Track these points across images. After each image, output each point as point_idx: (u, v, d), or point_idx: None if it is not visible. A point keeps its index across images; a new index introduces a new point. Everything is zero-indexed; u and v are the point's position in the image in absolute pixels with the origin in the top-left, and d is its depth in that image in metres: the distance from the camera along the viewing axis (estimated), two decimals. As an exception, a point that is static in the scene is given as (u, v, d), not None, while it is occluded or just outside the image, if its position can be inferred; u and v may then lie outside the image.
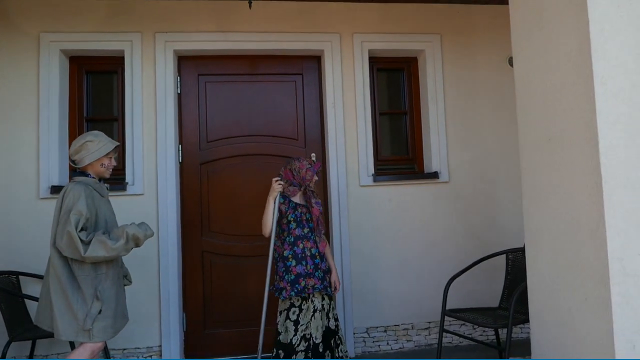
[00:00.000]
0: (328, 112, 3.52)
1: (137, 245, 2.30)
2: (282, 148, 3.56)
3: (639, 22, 1.74)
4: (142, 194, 3.29)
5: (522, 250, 2.47)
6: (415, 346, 3.42)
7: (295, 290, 2.59)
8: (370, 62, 3.63)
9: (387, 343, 3.43)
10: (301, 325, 2.61)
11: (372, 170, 3.52)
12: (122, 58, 3.36)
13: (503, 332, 3.10)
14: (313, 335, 2.60)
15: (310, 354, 2.59)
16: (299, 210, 2.73)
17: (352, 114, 3.54)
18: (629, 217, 1.67)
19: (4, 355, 2.73)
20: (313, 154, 3.57)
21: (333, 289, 2.74)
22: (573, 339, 1.83)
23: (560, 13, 1.89)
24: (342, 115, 3.53)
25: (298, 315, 2.61)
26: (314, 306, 2.64)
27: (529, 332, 2.44)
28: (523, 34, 2.17)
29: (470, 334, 3.47)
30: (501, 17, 3.46)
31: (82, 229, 2.17)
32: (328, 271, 2.73)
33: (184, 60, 3.52)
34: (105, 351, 3.08)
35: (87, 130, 3.44)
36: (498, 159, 3.63)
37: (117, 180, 3.31)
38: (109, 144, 2.35)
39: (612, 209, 1.66)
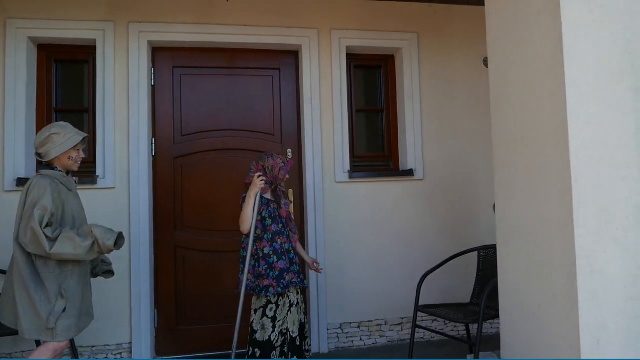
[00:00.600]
0: (305, 108, 3.51)
1: (100, 250, 2.17)
2: (258, 143, 3.53)
3: (610, 26, 1.79)
4: (113, 188, 3.21)
5: (493, 247, 2.52)
6: (388, 342, 3.45)
7: (282, 286, 2.58)
8: (347, 59, 3.63)
9: (361, 339, 3.45)
10: (278, 321, 2.60)
11: (348, 166, 3.52)
12: (94, 47, 3.26)
13: (474, 328, 3.16)
14: (290, 330, 2.62)
15: (286, 349, 2.60)
16: (272, 206, 2.72)
17: (329, 110, 3.54)
18: (596, 216, 1.71)
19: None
20: (289, 150, 3.57)
21: (319, 268, 2.86)
22: (541, 334, 1.87)
23: (534, 16, 1.93)
24: (319, 112, 3.52)
25: (275, 312, 2.61)
26: (290, 301, 2.64)
27: (498, 328, 2.49)
28: (498, 35, 2.21)
29: (442, 330, 3.53)
30: (478, 18, 3.50)
31: (47, 225, 2.09)
32: (301, 265, 2.76)
33: (158, 52, 3.44)
34: (73, 349, 3.00)
35: (56, 121, 3.34)
36: (473, 157, 3.69)
37: (87, 173, 3.22)
38: (76, 136, 2.26)
39: (581, 208, 1.71)
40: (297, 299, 2.69)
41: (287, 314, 2.63)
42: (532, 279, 1.94)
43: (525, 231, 1.99)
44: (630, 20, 1.81)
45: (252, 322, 2.65)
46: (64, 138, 2.22)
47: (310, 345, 2.79)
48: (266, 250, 2.64)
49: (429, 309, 2.90)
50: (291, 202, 3.52)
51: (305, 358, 2.70)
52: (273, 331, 2.58)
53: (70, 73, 3.45)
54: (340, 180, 3.49)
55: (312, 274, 3.43)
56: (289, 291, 2.64)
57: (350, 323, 3.46)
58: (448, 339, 3.31)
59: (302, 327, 2.72)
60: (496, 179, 2.23)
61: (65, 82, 3.43)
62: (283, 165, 2.71)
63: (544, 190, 1.87)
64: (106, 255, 2.42)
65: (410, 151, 3.64)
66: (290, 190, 3.53)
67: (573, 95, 1.77)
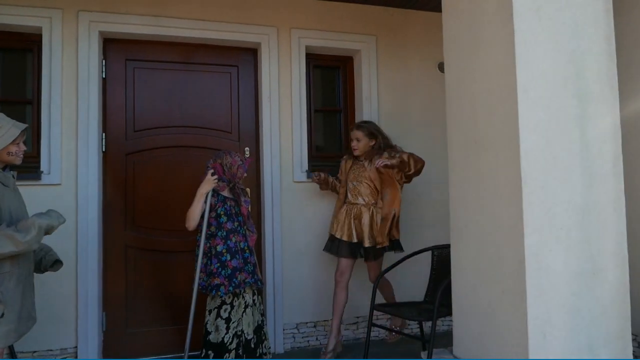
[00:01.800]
0: (263, 107, 3.48)
1: (48, 233, 2.06)
2: (215, 141, 3.46)
3: (558, 36, 1.89)
4: (59, 184, 3.05)
5: (447, 247, 2.59)
6: (344, 341, 3.48)
7: (233, 285, 2.54)
8: (307, 59, 3.63)
9: (316, 338, 3.46)
10: (233, 322, 2.56)
11: (306, 166, 3.52)
12: (40, 36, 3.08)
13: (427, 325, 3.25)
14: (245, 332, 2.58)
15: (241, 351, 2.55)
16: (228, 203, 2.68)
17: (287, 109, 3.53)
18: (544, 216, 1.80)
19: None
20: (247, 148, 3.53)
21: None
22: (492, 330, 1.95)
23: (488, 24, 2.00)
24: (278, 110, 3.50)
25: (229, 313, 2.57)
26: (245, 302, 2.61)
27: (450, 324, 2.57)
28: (454, 41, 2.28)
29: (397, 328, 3.59)
30: (434, 24, 3.61)
31: None
32: (256, 265, 2.73)
33: (110, 43, 3.30)
34: (12, 354, 2.82)
35: (-3, 113, 3.14)
36: (428, 159, 3.77)
37: (30, 168, 3.04)
38: (14, 129, 2.09)
39: (530, 207, 1.79)
40: (254, 300, 2.66)
41: (242, 315, 2.59)
42: (483, 277, 2.01)
43: (477, 231, 2.06)
44: (575, 32, 1.92)
45: (207, 323, 2.60)
46: (0, 132, 2.05)
47: (269, 347, 2.77)
48: (219, 248, 2.59)
49: (385, 308, 2.95)
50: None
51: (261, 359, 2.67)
52: (227, 333, 2.54)
53: (12, 62, 3.25)
54: (298, 180, 3.48)
55: (268, 273, 3.40)
56: (244, 291, 2.61)
57: (307, 323, 3.46)
58: (402, 337, 3.38)
59: (259, 328, 2.69)
60: (450, 181, 2.30)
61: (7, 72, 3.22)
62: (241, 163, 2.69)
63: (496, 191, 1.95)
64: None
65: (367, 152, 3.68)
66: (247, 189, 3.48)
67: (523, 101, 1.85)
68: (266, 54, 3.48)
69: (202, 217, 2.61)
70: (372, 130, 3.25)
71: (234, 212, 2.68)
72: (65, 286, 3.03)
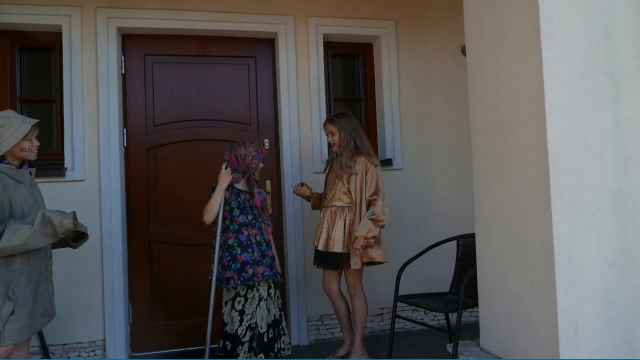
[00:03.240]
0: (282, 97, 3.44)
1: (55, 233, 2.02)
2: (234, 133, 3.45)
3: (587, 10, 1.78)
4: (82, 180, 3.10)
5: (472, 236, 2.51)
6: (369, 332, 3.44)
7: (242, 279, 2.53)
8: (325, 47, 3.56)
9: (341, 330, 3.43)
10: (246, 315, 2.56)
11: (326, 156, 3.47)
12: (60, 34, 3.12)
13: (453, 317, 3.17)
14: (258, 325, 2.56)
15: (254, 344, 2.54)
16: (242, 197, 2.66)
17: (306, 99, 3.48)
18: (573, 202, 1.71)
19: None
20: (266, 140, 3.51)
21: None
22: (520, 322, 1.87)
23: (511, 2, 1.90)
24: (296, 101, 3.45)
25: (243, 305, 2.57)
26: (260, 295, 2.59)
27: (477, 316, 2.49)
28: (476, 22, 2.18)
29: (422, 319, 3.53)
30: (455, 6, 3.48)
31: None
32: (275, 258, 2.71)
33: (128, 39, 3.32)
34: (43, 346, 2.90)
35: (22, 112, 3.20)
36: (451, 146, 3.69)
37: (54, 165, 3.10)
38: (24, 126, 2.09)
39: (558, 194, 1.70)
40: (269, 293, 2.63)
41: (256, 308, 2.58)
42: (510, 267, 1.93)
43: (503, 219, 1.98)
44: (607, 6, 1.80)
45: (223, 314, 2.62)
46: (9, 130, 2.05)
47: (288, 343, 2.71)
48: (230, 242, 2.59)
49: (409, 299, 2.89)
50: (268, 194, 3.47)
51: (278, 358, 2.64)
52: (240, 325, 2.54)
53: (36, 61, 3.30)
54: (319, 171, 3.44)
55: (291, 265, 3.39)
56: (258, 284, 2.59)
57: (330, 314, 3.43)
58: (428, 329, 3.31)
59: (277, 323, 2.66)
60: (474, 167, 2.22)
61: (31, 71, 3.28)
62: (256, 154, 2.66)
63: (522, 177, 1.86)
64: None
65: (389, 140, 3.61)
66: (268, 181, 3.48)
67: (550, 82, 1.75)
68: (283, 43, 3.43)
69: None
70: (345, 126, 2.85)
71: (247, 205, 2.66)
72: (92, 280, 3.09)
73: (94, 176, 3.11)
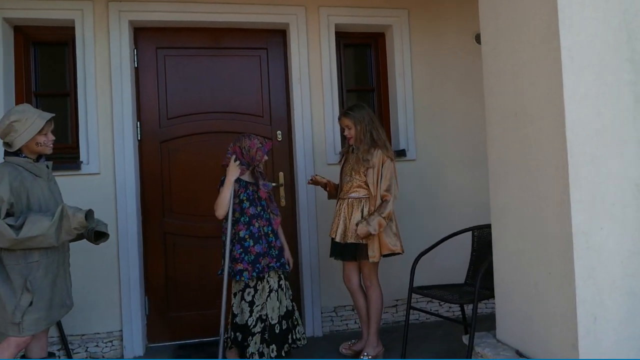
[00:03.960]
0: (294, 89, 3.42)
1: (71, 229, 2.07)
2: (246, 125, 3.44)
3: (607, -6, 1.73)
4: (98, 174, 3.12)
5: (487, 226, 2.48)
6: (383, 324, 3.43)
7: (257, 270, 2.54)
8: (336, 37, 3.53)
9: (355, 321, 3.43)
10: (256, 306, 2.56)
11: (339, 148, 3.45)
12: (73, 28, 3.13)
13: (469, 308, 3.15)
14: (269, 316, 2.56)
15: (266, 335, 2.55)
16: (250, 188, 2.66)
17: (318, 90, 3.45)
18: (593, 191, 1.67)
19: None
20: (279, 132, 3.50)
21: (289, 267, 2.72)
22: (538, 313, 1.84)
23: (529, -15, 1.86)
24: (309, 92, 3.43)
25: (253, 296, 2.57)
26: (270, 286, 2.59)
27: (493, 308, 2.46)
28: (491, 8, 2.13)
29: (437, 311, 3.52)
30: (469, -8, 3.42)
31: (8, 215, 1.98)
32: (282, 249, 2.71)
33: (140, 32, 3.32)
34: (62, 337, 2.96)
35: (38, 107, 3.23)
36: (465, 136, 3.64)
37: (70, 158, 3.13)
38: (39, 120, 2.11)
39: (578, 183, 1.67)
40: (280, 284, 2.63)
41: (267, 300, 2.58)
42: (528, 258, 1.90)
43: (520, 209, 1.95)
44: (628, -11, 1.75)
45: (233, 305, 2.63)
46: (25, 124, 2.08)
47: (303, 333, 2.71)
48: (242, 234, 2.59)
49: (424, 290, 2.87)
50: (282, 185, 3.46)
51: (293, 348, 2.65)
52: (250, 316, 2.55)
53: (50, 56, 3.33)
54: (332, 162, 3.42)
55: (305, 256, 3.39)
56: (268, 276, 2.59)
57: (345, 306, 3.43)
58: (443, 320, 3.29)
59: (290, 314, 2.65)
60: (489, 157, 2.18)
61: (45, 65, 3.31)
62: (261, 146, 2.65)
63: (539, 166, 1.82)
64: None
65: (402, 131, 3.58)
66: (281, 173, 3.47)
67: (569, 68, 1.71)
68: (295, 34, 3.41)
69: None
70: (360, 119, 2.83)
71: (256, 196, 2.66)
72: (109, 272, 3.12)
73: (108, 169, 3.14)
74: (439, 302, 3.54)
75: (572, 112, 1.69)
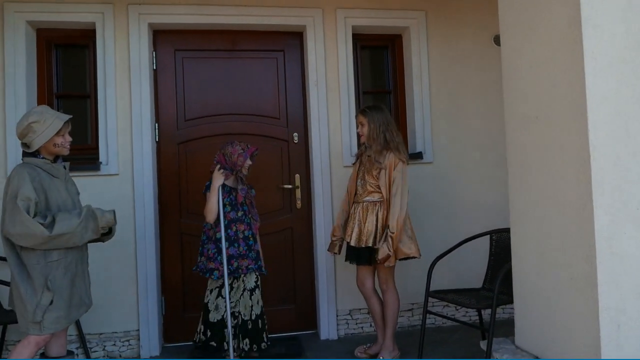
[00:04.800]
0: (311, 91, 3.42)
1: (97, 228, 2.16)
2: (263, 127, 3.46)
3: (631, -7, 1.69)
4: (117, 174, 3.16)
5: (506, 230, 2.44)
6: (399, 328, 3.40)
7: (228, 271, 2.67)
8: (353, 39, 3.52)
9: (370, 325, 3.41)
10: (231, 302, 2.70)
11: (355, 150, 3.43)
12: (94, 31, 3.19)
13: (486, 313, 3.11)
14: (242, 313, 2.72)
15: (238, 330, 2.72)
16: (233, 194, 2.79)
17: (335, 92, 3.45)
18: (616, 195, 1.63)
19: (-28, 342, 2.62)
20: (295, 134, 3.51)
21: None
22: (558, 319, 1.80)
23: (550, -16, 1.83)
24: (325, 94, 3.43)
25: (229, 294, 2.70)
26: (245, 286, 2.75)
27: (511, 313, 2.42)
28: (511, 9, 2.11)
29: (453, 315, 3.48)
30: (488, -7, 3.38)
31: (35, 215, 2.03)
32: (259, 252, 2.85)
33: (159, 35, 3.36)
34: (80, 335, 3.00)
35: (59, 108, 3.30)
36: (483, 138, 3.59)
37: (90, 159, 3.18)
38: (57, 122, 2.14)
39: (600, 187, 1.63)
40: (257, 284, 2.78)
41: (240, 298, 2.73)
42: (548, 263, 1.87)
43: (540, 213, 1.91)
44: (653, -12, 1.71)
45: (208, 302, 2.75)
46: (44, 125, 2.11)
47: (264, 343, 2.78)
48: (218, 235, 2.72)
49: (440, 295, 2.84)
50: (297, 187, 3.47)
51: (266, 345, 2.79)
52: (226, 311, 2.66)
53: (71, 58, 3.39)
54: (348, 164, 3.41)
55: (320, 259, 3.38)
56: (244, 276, 2.75)
57: (360, 309, 3.41)
58: (459, 325, 3.25)
59: (262, 315, 2.77)
60: (509, 160, 2.15)
61: (66, 68, 3.37)
62: (242, 151, 2.78)
63: (560, 169, 1.79)
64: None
65: (419, 134, 3.55)
66: (297, 176, 3.47)
67: (591, 69, 1.68)
68: (312, 36, 3.41)
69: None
70: (375, 119, 2.83)
71: (238, 201, 2.79)
72: (127, 272, 3.16)
73: (127, 170, 3.18)
74: (456, 307, 3.49)
75: (595, 113, 1.66)
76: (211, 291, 2.75)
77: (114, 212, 2.25)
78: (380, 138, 2.81)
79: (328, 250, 3.08)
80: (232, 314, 2.70)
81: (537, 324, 1.94)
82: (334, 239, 3.02)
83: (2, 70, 3.05)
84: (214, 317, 2.71)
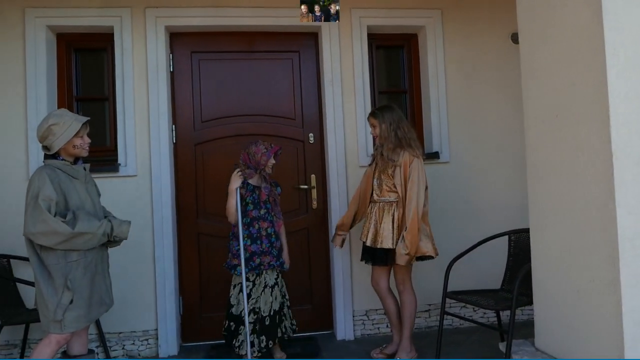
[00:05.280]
0: (326, 91, 3.42)
1: (108, 237, 2.24)
2: (279, 128, 3.47)
3: (655, -12, 1.65)
4: (135, 176, 3.21)
5: (525, 231, 2.40)
6: (416, 329, 3.37)
7: (249, 267, 2.74)
8: (368, 39, 3.50)
9: (387, 325, 3.39)
10: (252, 299, 2.75)
11: (371, 150, 3.42)
12: (112, 35, 3.23)
13: (504, 314, 3.07)
14: (261, 309, 2.75)
15: (257, 326, 2.73)
16: (256, 192, 2.83)
17: (350, 93, 3.44)
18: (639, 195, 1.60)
19: (-4, 340, 2.68)
20: (311, 134, 3.51)
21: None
22: (579, 322, 1.77)
23: (570, -20, 1.79)
24: (341, 94, 3.42)
25: (250, 290, 2.76)
26: (266, 282, 2.78)
27: (529, 314, 2.39)
28: (529, 6, 2.07)
29: (471, 316, 3.44)
30: (505, -10, 3.34)
31: (55, 214, 2.08)
32: (282, 249, 2.89)
33: (176, 37, 3.40)
34: (100, 334, 3.04)
35: (78, 111, 3.36)
36: (500, 137, 3.55)
37: (108, 161, 3.23)
38: (76, 124, 2.20)
39: (623, 186, 1.60)
40: (276, 281, 2.81)
41: (261, 294, 2.77)
42: (569, 264, 1.83)
43: (561, 213, 1.88)
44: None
45: (230, 296, 2.81)
46: (63, 128, 2.16)
47: (294, 326, 2.89)
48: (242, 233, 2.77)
49: (458, 295, 2.81)
50: (313, 188, 3.47)
51: (284, 339, 2.85)
52: (244, 308, 2.71)
53: (90, 61, 3.45)
54: (364, 165, 3.39)
55: (336, 259, 3.37)
56: (266, 273, 2.79)
57: (377, 309, 3.39)
58: (477, 326, 3.21)
59: (281, 309, 2.83)
60: (528, 159, 2.12)
61: (85, 71, 3.43)
62: (265, 151, 2.82)
63: (581, 169, 1.75)
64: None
65: (436, 133, 3.52)
66: (313, 176, 3.47)
67: (613, 66, 1.65)
68: (327, 37, 3.41)
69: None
70: (385, 119, 2.82)
71: (261, 200, 2.83)
72: (145, 272, 3.20)
73: (145, 171, 3.22)
74: (473, 308, 3.46)
75: (617, 111, 1.63)
76: (234, 286, 2.82)
77: (129, 224, 2.31)
78: (391, 136, 2.81)
79: (331, 241, 3.16)
80: (253, 309, 2.74)
81: (558, 326, 1.91)
82: (339, 233, 3.06)
83: (24, 74, 3.11)
84: (236, 310, 2.77)
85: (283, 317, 2.84)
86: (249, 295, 2.75)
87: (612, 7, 1.65)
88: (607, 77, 1.63)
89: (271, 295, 2.78)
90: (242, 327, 2.72)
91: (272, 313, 2.77)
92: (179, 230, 3.36)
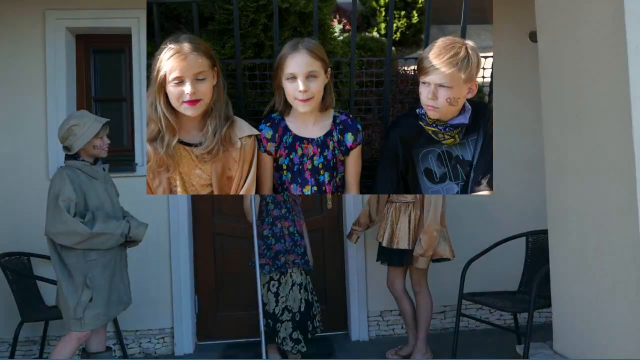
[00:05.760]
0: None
1: (127, 239, 2.29)
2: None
3: (680, -16, 1.61)
4: (151, 175, 3.24)
5: (543, 232, 2.37)
6: (431, 330, 3.34)
7: (276, 266, 2.79)
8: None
9: (402, 327, 3.37)
10: (281, 297, 2.81)
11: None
12: (129, 36, 3.27)
13: (521, 317, 3.02)
14: (292, 307, 2.80)
15: (292, 323, 2.78)
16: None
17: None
18: (664, 196, 1.56)
19: (16, 336, 2.73)
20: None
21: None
22: (599, 325, 1.74)
23: (591, -22, 1.76)
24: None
25: (277, 288, 2.82)
26: (293, 280, 2.83)
27: (547, 317, 2.36)
28: (548, 4, 2.04)
29: (487, 318, 3.39)
30: (523, -12, 3.29)
31: (75, 214, 2.12)
32: (307, 247, 2.92)
33: (192, 38, 3.42)
34: (117, 332, 3.08)
35: (97, 111, 3.41)
36: (518, 137, 3.50)
37: (125, 161, 3.27)
38: (96, 124, 2.24)
39: (646, 187, 1.56)
40: (302, 280, 2.85)
41: (289, 292, 2.81)
42: (589, 266, 1.80)
43: (580, 214, 1.85)
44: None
45: (262, 295, 2.82)
46: (83, 128, 2.20)
47: (319, 323, 2.93)
48: (265, 233, 2.85)
49: (475, 297, 2.78)
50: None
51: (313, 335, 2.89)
52: (276, 305, 2.80)
53: (108, 62, 3.50)
54: (378, 165, 3.38)
55: (351, 260, 3.37)
56: (292, 271, 2.82)
57: (391, 311, 3.38)
58: (493, 328, 3.17)
59: (310, 306, 2.88)
60: (546, 159, 2.09)
61: (103, 72, 3.47)
62: None
63: (603, 170, 1.72)
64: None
65: (451, 133, 3.48)
66: (327, 176, 3.46)
67: (635, 65, 1.61)
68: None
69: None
70: None
71: (281, 199, 2.86)
72: (161, 272, 3.23)
73: (161, 171, 3.24)
74: (490, 310, 3.41)
75: (639, 110, 1.59)
76: (263, 286, 2.84)
77: (146, 227, 2.37)
78: None
79: (347, 237, 3.17)
80: (286, 307, 2.79)
81: (577, 329, 1.88)
82: (354, 229, 3.08)
83: (44, 75, 3.17)
84: (270, 308, 2.81)
85: (312, 315, 2.88)
86: (277, 294, 2.80)
87: (635, 5, 1.61)
88: (628, 76, 1.60)
89: (300, 292, 2.82)
90: (279, 324, 2.77)
91: (302, 309, 2.81)
92: (194, 230, 3.39)
